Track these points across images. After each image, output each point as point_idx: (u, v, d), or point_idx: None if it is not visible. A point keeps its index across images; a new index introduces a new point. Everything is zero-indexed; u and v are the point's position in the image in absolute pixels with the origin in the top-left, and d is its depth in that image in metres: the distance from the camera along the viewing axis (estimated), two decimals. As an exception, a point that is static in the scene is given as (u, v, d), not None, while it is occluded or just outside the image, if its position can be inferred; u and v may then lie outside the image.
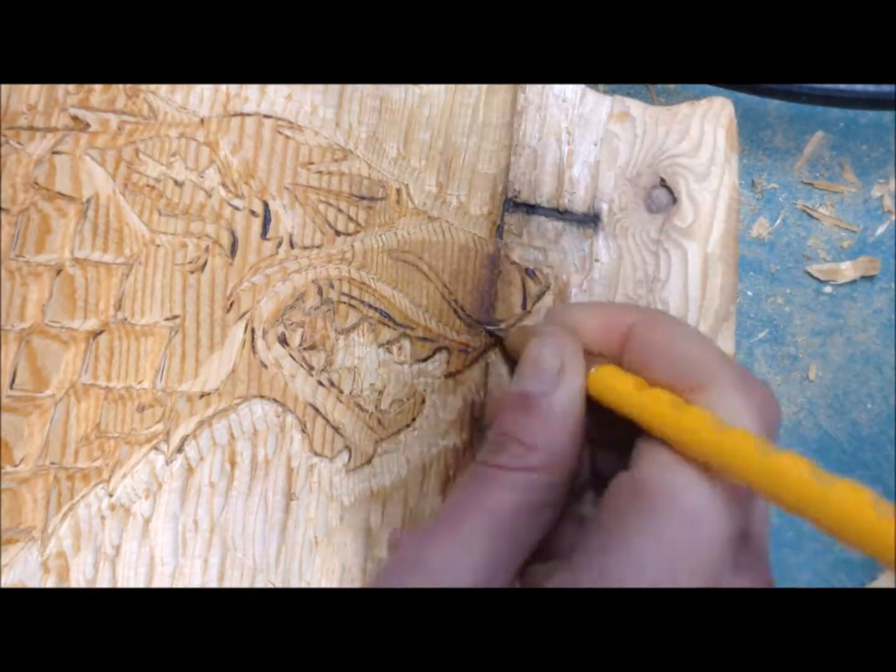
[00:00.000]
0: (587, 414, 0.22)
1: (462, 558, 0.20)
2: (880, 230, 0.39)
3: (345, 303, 0.27)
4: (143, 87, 0.27)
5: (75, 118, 0.27)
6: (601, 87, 0.30)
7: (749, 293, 0.39)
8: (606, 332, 0.22)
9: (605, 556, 0.19)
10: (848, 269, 0.39)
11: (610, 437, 0.23)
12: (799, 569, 0.37)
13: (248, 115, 0.27)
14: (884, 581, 0.37)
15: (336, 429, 0.26)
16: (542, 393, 0.21)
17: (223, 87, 0.27)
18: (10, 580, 0.24)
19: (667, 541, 0.18)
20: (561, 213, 0.29)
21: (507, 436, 0.21)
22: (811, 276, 0.38)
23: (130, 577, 0.24)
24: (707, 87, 0.37)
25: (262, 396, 0.26)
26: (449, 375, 0.27)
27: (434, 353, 0.27)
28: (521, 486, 0.20)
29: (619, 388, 0.21)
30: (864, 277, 0.39)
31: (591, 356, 0.22)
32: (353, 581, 0.25)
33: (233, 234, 0.27)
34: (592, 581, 0.18)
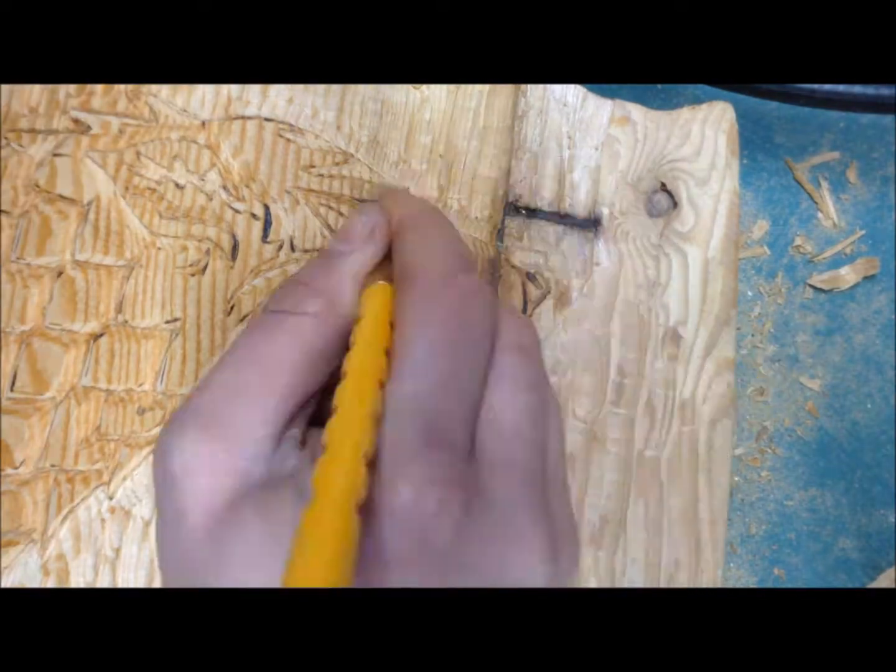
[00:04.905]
0: None
1: (244, 409, 0.19)
2: (881, 230, 0.39)
3: (345, 306, 0.27)
4: (145, 89, 0.27)
5: (76, 121, 0.27)
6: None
7: (749, 294, 0.39)
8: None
9: None
10: (848, 274, 0.39)
11: None
12: (799, 569, 0.37)
13: (250, 118, 0.27)
14: (884, 581, 0.37)
15: (336, 431, 0.26)
16: (342, 252, 0.22)
17: (224, 90, 0.27)
18: (10, 582, 0.24)
19: None
20: (562, 217, 0.29)
21: (295, 282, 0.22)
22: (814, 287, 0.39)
23: (130, 579, 0.24)
24: (707, 88, 0.37)
25: (262, 399, 0.26)
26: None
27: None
28: (297, 330, 0.20)
29: (369, 307, 0.21)
30: (864, 278, 0.39)
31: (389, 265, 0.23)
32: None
33: (234, 237, 0.27)
34: None
